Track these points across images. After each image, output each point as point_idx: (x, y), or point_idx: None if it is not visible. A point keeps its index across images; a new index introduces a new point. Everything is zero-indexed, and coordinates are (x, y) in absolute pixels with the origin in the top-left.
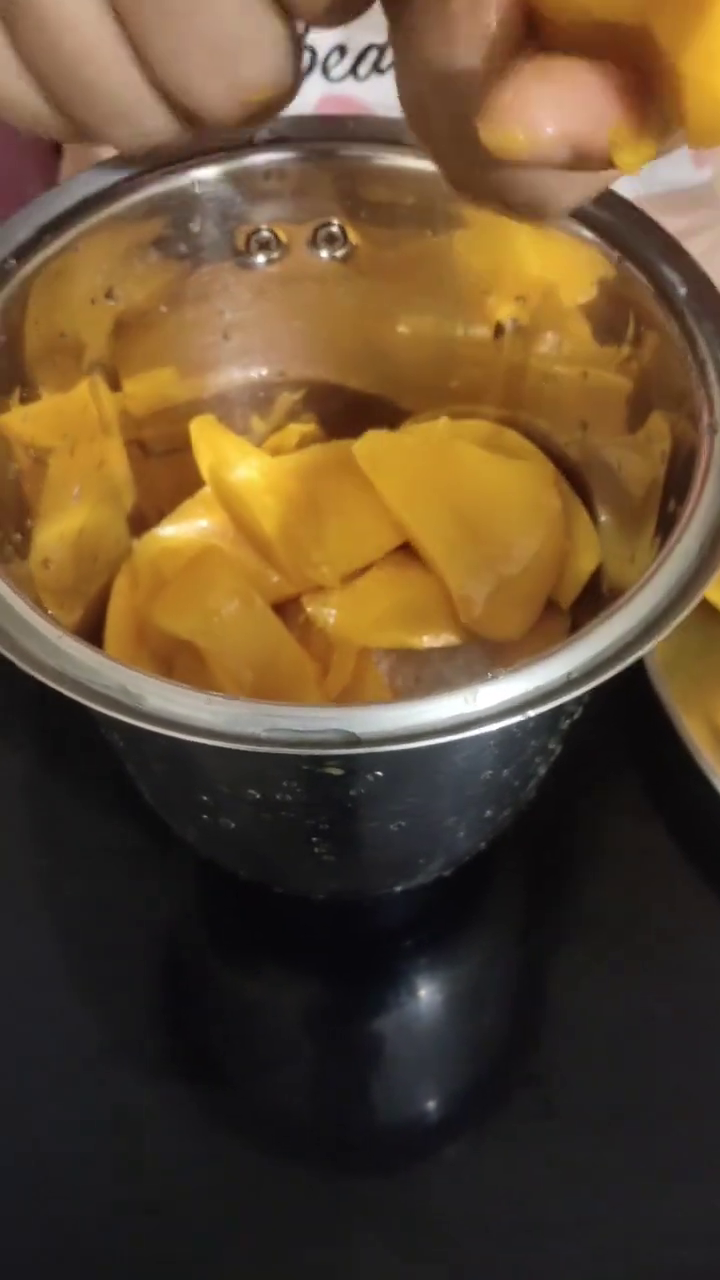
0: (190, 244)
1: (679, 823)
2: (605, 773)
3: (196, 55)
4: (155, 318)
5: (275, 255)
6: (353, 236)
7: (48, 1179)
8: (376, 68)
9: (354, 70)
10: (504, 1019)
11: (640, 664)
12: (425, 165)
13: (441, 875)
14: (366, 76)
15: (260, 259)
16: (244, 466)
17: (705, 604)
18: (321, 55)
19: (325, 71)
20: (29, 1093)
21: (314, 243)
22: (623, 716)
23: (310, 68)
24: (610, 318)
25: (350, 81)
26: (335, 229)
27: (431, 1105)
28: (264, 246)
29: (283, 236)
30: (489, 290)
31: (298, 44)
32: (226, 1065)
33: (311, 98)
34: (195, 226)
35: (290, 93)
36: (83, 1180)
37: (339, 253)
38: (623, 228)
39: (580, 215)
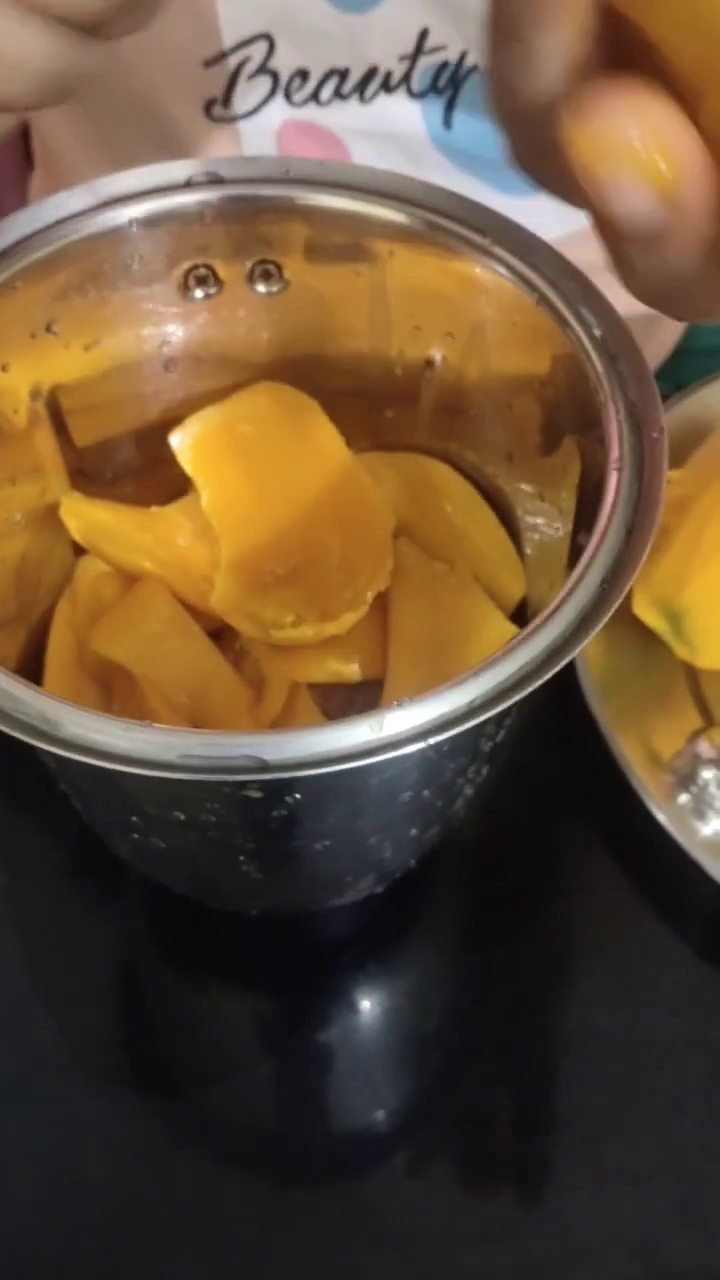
0: (128, 280)
1: (614, 839)
2: (543, 790)
3: None
4: (96, 351)
5: (213, 291)
6: (288, 273)
7: None
8: (338, 93)
9: (316, 95)
10: (445, 1030)
11: (577, 686)
12: (355, 205)
13: (374, 891)
14: (329, 102)
15: (199, 294)
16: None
17: (641, 628)
18: (284, 79)
19: (288, 96)
20: None
21: (251, 279)
22: (560, 736)
23: (272, 92)
24: (530, 353)
25: (312, 106)
26: (271, 266)
27: (377, 1115)
28: (202, 282)
29: (220, 272)
30: (420, 325)
31: None
32: (175, 1077)
33: (274, 122)
34: (133, 264)
35: None
36: (34, 1191)
37: (275, 288)
38: (544, 270)
39: (504, 256)
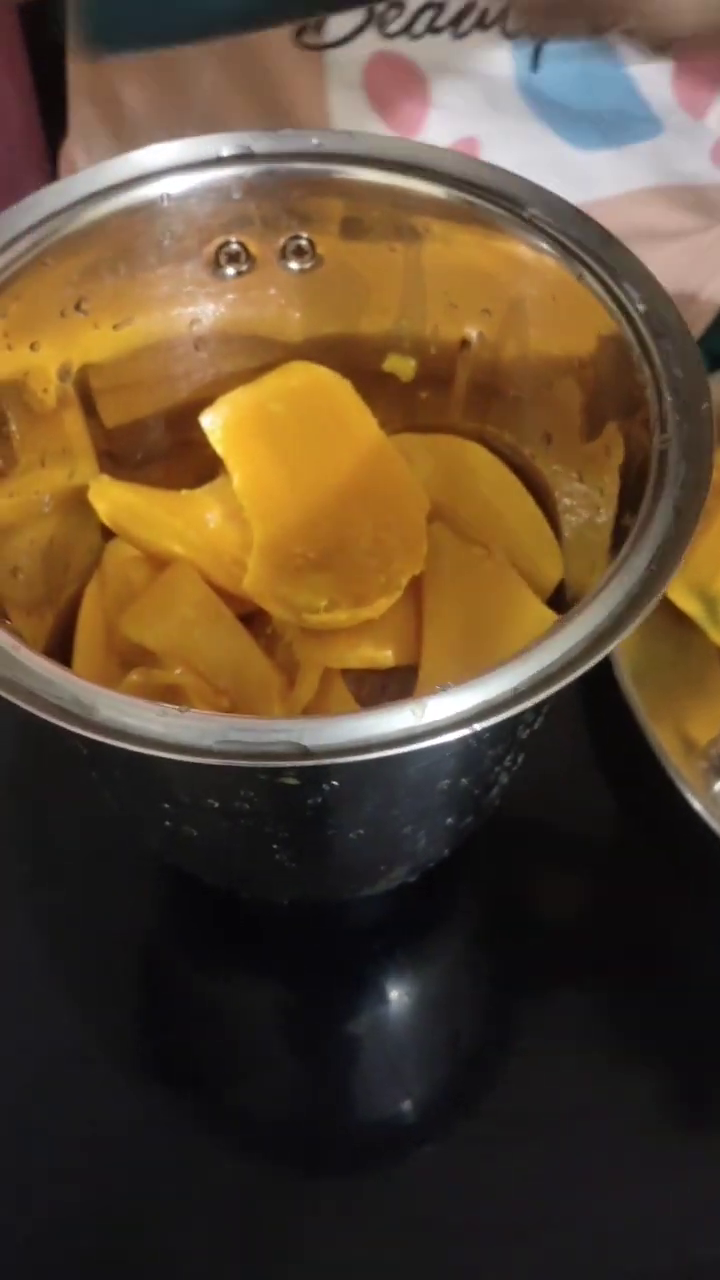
0: (159, 256)
1: (647, 828)
2: (575, 779)
3: None
4: (126, 330)
5: (245, 268)
6: (321, 249)
7: (25, 1181)
8: (432, 27)
9: (409, 27)
10: (473, 1022)
11: (611, 673)
12: (392, 180)
13: (407, 881)
14: (421, 35)
15: (230, 271)
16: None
17: (676, 614)
18: (380, 8)
19: (381, 26)
20: (4, 1097)
21: (283, 256)
22: (594, 723)
23: (367, 21)
24: (572, 332)
25: (404, 39)
26: (304, 242)
27: (403, 1107)
28: (234, 259)
29: (252, 249)
30: (456, 303)
31: None
32: (202, 1067)
33: (363, 54)
34: (164, 240)
35: None
36: (58, 1181)
37: (308, 265)
38: (587, 244)
39: (545, 231)
